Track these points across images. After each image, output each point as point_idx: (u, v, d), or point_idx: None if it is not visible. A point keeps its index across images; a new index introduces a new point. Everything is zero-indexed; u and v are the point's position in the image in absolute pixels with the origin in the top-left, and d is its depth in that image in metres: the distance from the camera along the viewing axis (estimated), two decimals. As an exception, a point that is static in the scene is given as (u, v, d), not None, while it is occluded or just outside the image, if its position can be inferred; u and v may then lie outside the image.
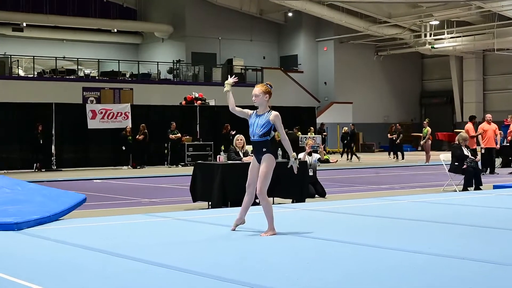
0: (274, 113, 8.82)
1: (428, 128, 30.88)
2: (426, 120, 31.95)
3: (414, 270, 6.33)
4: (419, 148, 42.58)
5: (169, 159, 29.20)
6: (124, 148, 28.14)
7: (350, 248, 7.57)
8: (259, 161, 8.85)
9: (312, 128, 32.66)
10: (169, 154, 29.16)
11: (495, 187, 16.60)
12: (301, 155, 15.90)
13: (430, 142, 30.55)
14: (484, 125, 22.97)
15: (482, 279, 5.96)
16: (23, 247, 7.90)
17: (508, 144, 26.38)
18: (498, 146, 24.07)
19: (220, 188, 12.87)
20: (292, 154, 8.78)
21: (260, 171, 8.83)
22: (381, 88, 48.51)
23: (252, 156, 15.49)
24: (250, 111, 8.97)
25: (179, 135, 29.03)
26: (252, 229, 9.10)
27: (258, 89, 9.01)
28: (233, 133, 26.41)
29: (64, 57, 41.45)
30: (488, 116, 23.81)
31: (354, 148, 34.59)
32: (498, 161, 27.61)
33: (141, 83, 40.65)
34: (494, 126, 22.94)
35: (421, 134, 32.98)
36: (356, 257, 7.08)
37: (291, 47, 49.40)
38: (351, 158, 33.22)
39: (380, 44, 48.03)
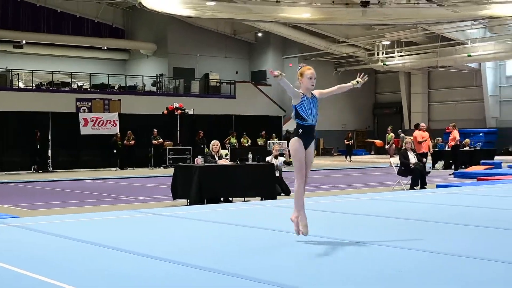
0: (317, 91, 7.52)
1: (392, 134, 31.36)
2: (390, 127, 32.44)
3: (355, 257, 6.40)
4: (372, 152, 42.99)
5: (152, 161, 29.28)
6: (115, 151, 28.25)
7: (303, 238, 7.57)
8: (307, 146, 7.30)
9: (274, 134, 32.70)
10: (152, 157, 29.29)
11: (438, 186, 16.77)
12: (268, 158, 16.01)
13: (394, 146, 30.90)
14: (421, 133, 23.24)
15: (417, 264, 6.03)
16: (19, 238, 7.88)
17: (450, 149, 26.66)
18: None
19: (197, 187, 12.93)
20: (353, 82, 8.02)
21: (312, 159, 7.51)
22: (339, 99, 48.61)
23: (227, 159, 15.64)
24: (298, 92, 7.35)
25: (161, 140, 29.19)
26: (220, 222, 9.14)
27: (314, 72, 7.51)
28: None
29: (59, 71, 41.17)
30: (422, 125, 24.20)
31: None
32: (440, 163, 27.96)
33: (128, 94, 40.49)
34: (426, 134, 23.30)
35: (375, 141, 33.43)
36: (308, 246, 7.13)
37: (260, 63, 49.57)
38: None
39: (339, 61, 48.36)
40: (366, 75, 8.12)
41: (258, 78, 48.68)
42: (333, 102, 48.00)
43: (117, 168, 28.08)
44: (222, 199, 13.56)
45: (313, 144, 7.44)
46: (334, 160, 38.34)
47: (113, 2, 44.51)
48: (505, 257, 6.30)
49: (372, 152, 44.95)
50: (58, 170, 27.07)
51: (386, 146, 31.83)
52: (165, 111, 32.91)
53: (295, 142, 7.30)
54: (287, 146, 31.73)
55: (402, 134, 32.17)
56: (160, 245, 7.36)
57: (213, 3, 28.47)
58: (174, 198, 13.46)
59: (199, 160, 13.88)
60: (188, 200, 13.13)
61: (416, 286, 5.29)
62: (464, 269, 5.92)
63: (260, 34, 47.64)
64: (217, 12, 29.68)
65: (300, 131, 7.28)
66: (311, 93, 7.43)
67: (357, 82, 7.85)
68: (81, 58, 46.62)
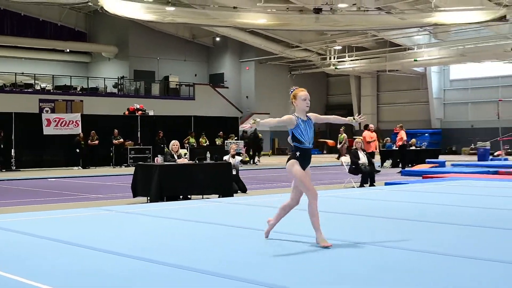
0: (312, 115, 7.22)
1: (344, 135, 31.67)
2: (342, 128, 32.67)
3: (306, 252, 6.46)
4: (325, 152, 43.25)
5: (114, 160, 29.03)
6: (77, 151, 27.94)
7: (257, 233, 7.60)
8: (304, 168, 6.95)
9: (233, 135, 32.67)
10: (113, 157, 29.04)
11: (386, 184, 16.96)
12: (225, 158, 15.99)
13: (346, 146, 31.19)
14: (370, 134, 23.53)
15: (358, 256, 6.10)
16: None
17: (397, 148, 26.99)
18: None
19: (157, 185, 12.88)
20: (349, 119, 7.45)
21: (310, 180, 7.07)
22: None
23: (186, 158, 15.57)
24: (291, 117, 7.06)
25: (121, 140, 29.01)
26: (179, 218, 9.12)
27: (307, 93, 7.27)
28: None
29: (23, 73, 40.64)
30: (371, 126, 24.56)
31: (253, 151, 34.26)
32: (388, 162, 28.28)
33: (90, 95, 40.11)
34: (374, 134, 23.62)
35: (327, 141, 33.58)
36: (264, 240, 7.17)
37: (218, 66, 49.53)
38: (255, 160, 33.05)
39: (293, 65, 48.57)
40: (364, 116, 7.76)
41: (216, 80, 48.63)
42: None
43: (80, 167, 27.78)
44: (181, 196, 13.52)
45: (309, 167, 7.04)
46: (285, 159, 38.45)
47: (75, 6, 43.92)
48: (445, 250, 6.42)
49: (325, 152, 45.22)
50: (21, 169, 26.66)
51: (338, 146, 32.12)
52: (126, 112, 32.68)
53: (294, 164, 6.93)
54: (244, 146, 31.95)
55: (344, 134, 32.54)
56: (121, 241, 7.30)
57: (172, 8, 28.32)
58: (134, 196, 13.38)
59: (159, 159, 13.84)
60: (149, 198, 13.06)
61: (369, 282, 5.34)
62: (411, 262, 6.01)
63: (218, 39, 47.57)
64: (176, 17, 29.52)
65: (298, 153, 6.94)
66: (307, 116, 7.10)
67: (354, 119, 7.46)
68: (44, 60, 46.03)
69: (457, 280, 5.24)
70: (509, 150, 32.01)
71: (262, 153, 34.14)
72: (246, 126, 6.90)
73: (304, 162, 6.95)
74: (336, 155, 33.25)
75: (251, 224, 8.54)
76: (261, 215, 9.93)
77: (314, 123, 7.15)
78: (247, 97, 48.23)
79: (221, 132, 32.59)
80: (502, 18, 30.01)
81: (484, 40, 37.99)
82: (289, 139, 7.16)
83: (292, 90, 7.37)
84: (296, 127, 6.96)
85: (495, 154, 30.08)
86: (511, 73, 40.40)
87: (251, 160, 32.57)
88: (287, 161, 7.02)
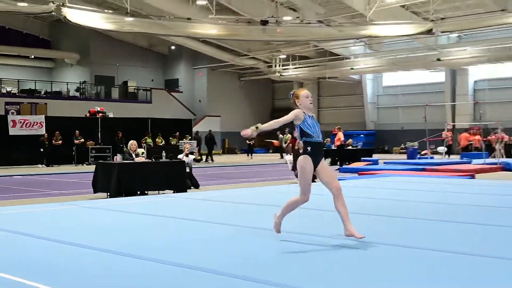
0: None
1: (289, 135, 31.83)
2: (287, 129, 32.87)
3: (244, 240, 6.47)
4: (271, 151, 43.39)
5: (76, 159, 28.65)
6: (42, 150, 27.43)
7: (206, 224, 7.61)
8: (317, 162, 6.40)
9: (188, 135, 32.54)
10: (75, 155, 28.67)
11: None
12: (180, 156, 15.91)
13: (290, 145, 31.37)
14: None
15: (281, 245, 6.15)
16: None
17: (336, 148, 27.27)
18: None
19: (116, 182, 12.73)
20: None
21: (330, 171, 6.62)
22: (242, 104, 49.02)
23: (143, 157, 15.43)
24: (299, 112, 6.68)
25: (82, 140, 28.76)
26: (137, 212, 9.05)
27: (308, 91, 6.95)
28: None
29: (-11, 78, 39.77)
30: None
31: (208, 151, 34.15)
32: (328, 160, 28.52)
33: (53, 99, 39.38)
34: None
35: (273, 141, 33.84)
36: (212, 230, 7.16)
37: (173, 72, 49.24)
38: (208, 159, 32.90)
39: (242, 71, 48.59)
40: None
41: (172, 85, 48.34)
42: (236, 107, 48.25)
43: (44, 165, 27.27)
44: (138, 192, 13.40)
45: (323, 159, 6.49)
46: (238, 157, 38.50)
47: (40, 16, 43.05)
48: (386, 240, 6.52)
49: (270, 151, 45.35)
50: (-12, 167, 26.06)
51: (284, 145, 32.33)
52: (88, 114, 32.25)
53: (303, 159, 6.37)
54: (197, 145, 31.85)
55: (281, 136, 32.79)
56: (84, 234, 7.21)
57: (131, 19, 28.02)
58: (95, 192, 13.19)
59: (118, 158, 13.73)
60: (108, 194, 12.91)
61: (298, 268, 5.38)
62: (345, 249, 6.08)
63: (173, 47, 47.25)
64: (134, 27, 29.22)
65: (309, 148, 6.34)
66: (311, 114, 6.69)
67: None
68: (10, 65, 44.94)
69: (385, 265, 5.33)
70: (435, 150, 32.65)
71: (213, 152, 34.01)
72: (247, 133, 6.24)
73: (316, 156, 6.37)
74: (281, 154, 33.40)
75: (201, 217, 8.54)
76: (212, 209, 9.96)
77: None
78: (200, 101, 48.05)
79: (176, 133, 32.40)
80: (429, 32, 30.65)
81: (413, 51, 38.68)
82: (298, 135, 6.52)
83: (292, 93, 6.95)
84: (304, 121, 6.48)
85: (422, 153, 30.65)
86: (437, 80, 41.19)
87: (206, 159, 32.49)
88: (299, 157, 6.43)
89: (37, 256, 5.85)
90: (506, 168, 22.10)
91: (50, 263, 5.53)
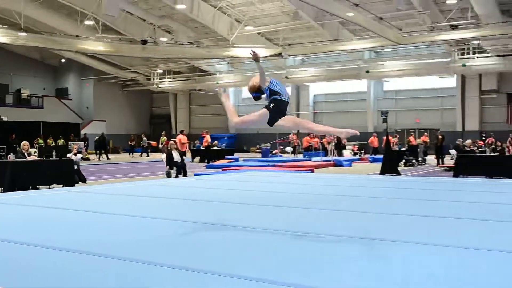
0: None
1: (165, 138, 31.51)
2: (163, 132, 32.50)
3: (137, 229, 6.37)
4: (149, 151, 42.65)
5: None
6: None
7: (92, 214, 7.39)
8: (274, 120, 5.62)
9: (76, 138, 31.37)
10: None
11: (195, 174, 17.13)
12: (69, 155, 15.30)
13: (165, 146, 31.00)
14: (183, 137, 23.67)
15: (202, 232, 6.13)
16: None
17: (204, 148, 27.34)
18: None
19: (10, 178, 12.07)
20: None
21: (292, 118, 5.80)
22: (125, 111, 47.89)
23: (35, 156, 14.62)
24: (266, 76, 5.69)
25: (-23, 141, 26.76)
26: (31, 205, 8.57)
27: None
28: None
29: None
30: (184, 131, 24.81)
31: (108, 150, 33.43)
32: (197, 158, 28.53)
33: (-51, 104, 36.28)
34: (185, 138, 23.80)
35: (151, 142, 33.33)
36: (96, 222, 6.96)
37: (63, 82, 47.07)
38: (107, 157, 31.98)
39: (125, 83, 47.38)
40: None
41: (62, 93, 46.18)
42: (120, 113, 47.09)
43: None
44: (30, 187, 12.69)
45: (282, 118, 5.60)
46: (121, 156, 37.50)
47: None
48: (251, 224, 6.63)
49: (149, 151, 44.58)
50: None
51: (160, 146, 31.94)
52: (-16, 118, 30.06)
53: (263, 111, 5.64)
54: (84, 146, 30.64)
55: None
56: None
57: (24, 34, 26.40)
58: (-10, 187, 12.33)
59: (11, 157, 13.07)
60: (2, 188, 12.13)
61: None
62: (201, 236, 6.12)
63: (63, 60, 45.03)
64: (28, 41, 27.54)
65: (272, 105, 5.57)
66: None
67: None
68: None
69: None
70: (283, 149, 33.73)
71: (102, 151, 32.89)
72: (221, 91, 5.61)
73: (278, 113, 5.61)
74: (160, 153, 32.98)
75: (87, 208, 8.26)
76: (95, 201, 9.64)
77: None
78: (87, 107, 46.24)
79: (72, 135, 31.14)
80: (279, 55, 31.69)
81: (267, 69, 39.31)
82: (265, 97, 5.71)
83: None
84: (271, 82, 5.66)
85: (273, 152, 31.58)
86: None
87: (99, 157, 31.40)
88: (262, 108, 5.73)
89: None
90: (337, 164, 23.34)
91: None
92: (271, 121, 5.61)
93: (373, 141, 30.09)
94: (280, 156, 29.93)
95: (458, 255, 4.94)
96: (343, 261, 4.71)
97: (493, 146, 23.15)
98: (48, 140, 29.96)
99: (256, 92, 5.80)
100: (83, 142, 31.17)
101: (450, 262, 4.69)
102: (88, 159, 28.99)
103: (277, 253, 5.00)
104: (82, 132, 37.59)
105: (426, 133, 28.93)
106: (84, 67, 44.55)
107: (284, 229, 6.14)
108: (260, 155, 31.61)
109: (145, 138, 36.70)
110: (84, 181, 14.76)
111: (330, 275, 4.26)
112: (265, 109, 5.60)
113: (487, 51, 31.66)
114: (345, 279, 4.15)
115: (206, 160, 26.44)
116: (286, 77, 38.27)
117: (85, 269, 4.45)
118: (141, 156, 34.36)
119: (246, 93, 45.17)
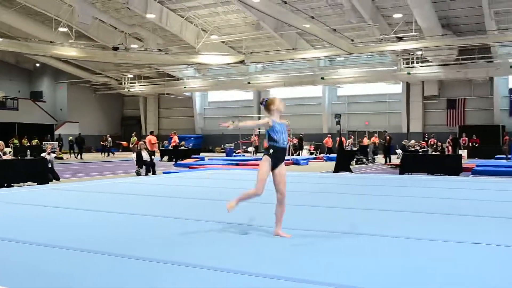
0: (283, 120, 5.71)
1: (135, 138, 31.04)
2: (134, 133, 32.04)
3: (113, 226, 6.27)
4: (120, 150, 42.03)
5: None
6: None
7: (64, 210, 7.24)
8: (276, 165, 5.57)
9: (56, 141, 30.66)
10: None
11: (164, 172, 16.97)
12: (43, 154, 14.93)
13: (136, 145, 30.48)
14: (153, 137, 23.40)
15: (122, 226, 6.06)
16: None
17: (172, 148, 27.08)
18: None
19: (-15, 176, 11.62)
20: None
21: (284, 176, 5.61)
22: (97, 113, 46.98)
23: (10, 155, 14.19)
24: (268, 120, 5.53)
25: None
26: (10, 202, 8.32)
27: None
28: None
29: None
30: (153, 133, 24.52)
31: (82, 150, 32.58)
32: (165, 158, 28.24)
33: None
34: (155, 138, 23.51)
35: (122, 142, 32.84)
36: (71, 216, 6.82)
37: (38, 85, 45.78)
38: (80, 157, 31.28)
39: (97, 86, 46.40)
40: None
41: (36, 96, 44.89)
42: (92, 115, 46.24)
43: None
44: (5, 184, 12.31)
45: (283, 164, 5.62)
46: (94, 155, 36.79)
47: None
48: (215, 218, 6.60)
49: (120, 150, 43.86)
50: None
51: (131, 146, 31.42)
52: (-41, 119, 28.98)
53: (264, 160, 5.58)
54: (58, 146, 29.94)
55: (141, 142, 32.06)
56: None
57: (0, 39, 25.62)
58: (-35, 185, 11.91)
59: (-13, 156, 12.57)
60: (-22, 186, 11.73)
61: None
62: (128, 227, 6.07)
63: (38, 64, 43.87)
64: (3, 46, 26.71)
65: (271, 151, 5.54)
66: (281, 122, 5.62)
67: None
68: None
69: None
70: (246, 149, 33.77)
71: (75, 151, 32.19)
72: (225, 125, 5.44)
73: (278, 159, 5.57)
74: (131, 152, 32.49)
75: (60, 204, 8.08)
76: (68, 198, 9.44)
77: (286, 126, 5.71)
78: (61, 109, 45.13)
79: (48, 136, 30.35)
80: (242, 62, 31.69)
81: (230, 75, 39.63)
82: (265, 139, 5.71)
83: (265, 101, 5.65)
84: (272, 128, 5.50)
85: (237, 152, 31.59)
86: (247, 98, 42.58)
87: (79, 156, 30.67)
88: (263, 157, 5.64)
89: None
90: (295, 163, 23.51)
91: None
92: (273, 166, 5.57)
93: (328, 141, 30.45)
94: (243, 155, 29.96)
95: (404, 245, 5.05)
96: (292, 252, 4.74)
97: (434, 146, 23.75)
98: (22, 140, 29.19)
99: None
100: (57, 142, 30.46)
101: (396, 251, 4.79)
102: (61, 158, 28.34)
103: (229, 243, 5.00)
104: (56, 132, 36.78)
105: (376, 135, 29.45)
106: (58, 71, 43.49)
107: (234, 222, 6.17)
108: (224, 154, 31.56)
109: (110, 139, 36.03)
110: (57, 179, 14.42)
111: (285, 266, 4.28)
112: (266, 156, 5.57)
113: (429, 60, 32.45)
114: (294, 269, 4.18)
115: (174, 159, 26.23)
116: (249, 83, 38.31)
117: (56, 262, 4.35)
118: (101, 155, 33.82)
119: (212, 97, 45.00)
